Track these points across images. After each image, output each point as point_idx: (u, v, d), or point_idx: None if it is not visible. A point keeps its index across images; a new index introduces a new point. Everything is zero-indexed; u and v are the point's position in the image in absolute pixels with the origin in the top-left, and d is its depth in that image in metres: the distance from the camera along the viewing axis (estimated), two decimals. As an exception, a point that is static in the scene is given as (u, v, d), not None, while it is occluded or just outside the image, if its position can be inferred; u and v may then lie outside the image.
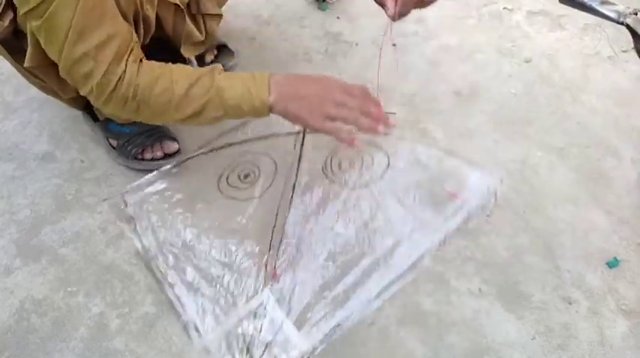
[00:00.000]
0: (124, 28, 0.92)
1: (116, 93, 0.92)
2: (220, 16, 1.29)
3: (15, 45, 1.01)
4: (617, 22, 0.94)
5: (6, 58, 1.06)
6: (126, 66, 0.91)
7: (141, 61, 0.95)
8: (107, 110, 0.98)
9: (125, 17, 0.95)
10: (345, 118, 0.93)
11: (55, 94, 1.14)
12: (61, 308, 1.04)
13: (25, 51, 0.97)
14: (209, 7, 1.23)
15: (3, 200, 1.19)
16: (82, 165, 1.26)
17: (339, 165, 1.21)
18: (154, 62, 0.96)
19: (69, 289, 1.06)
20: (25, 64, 0.99)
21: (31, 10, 0.82)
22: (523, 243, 1.15)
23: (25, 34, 0.94)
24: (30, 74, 1.07)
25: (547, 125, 1.39)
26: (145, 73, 0.93)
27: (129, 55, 0.92)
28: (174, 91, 0.93)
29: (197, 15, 1.22)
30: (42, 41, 0.89)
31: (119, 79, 0.91)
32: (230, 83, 0.94)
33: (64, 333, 1.01)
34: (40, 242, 1.13)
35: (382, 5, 0.86)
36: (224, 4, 1.35)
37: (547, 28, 1.68)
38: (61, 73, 0.93)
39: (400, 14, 0.84)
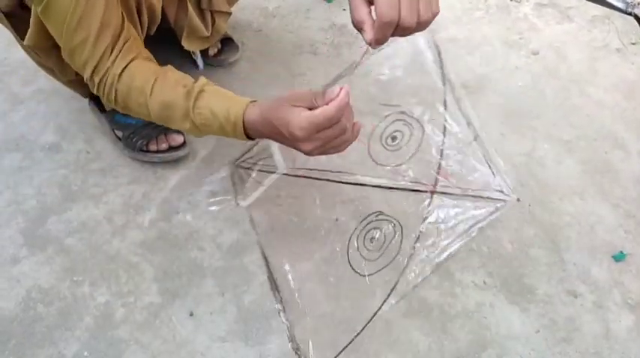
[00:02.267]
0: (118, 21, 0.91)
1: (102, 89, 0.92)
2: (229, 14, 1.29)
3: (20, 18, 1.00)
4: (625, 13, 0.92)
5: (10, 31, 1.05)
6: (112, 64, 0.90)
7: (132, 60, 0.92)
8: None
9: (127, 6, 0.95)
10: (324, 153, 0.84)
11: (54, 74, 1.14)
12: (67, 298, 1.05)
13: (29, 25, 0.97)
14: (220, 5, 1.23)
15: (9, 190, 1.20)
16: (88, 156, 1.27)
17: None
18: (143, 67, 0.93)
19: (75, 278, 1.07)
20: (25, 42, 0.98)
21: None
22: (528, 235, 1.15)
23: (30, 9, 0.94)
24: (30, 51, 1.07)
25: (554, 118, 1.38)
26: (126, 78, 0.91)
27: (119, 51, 0.90)
28: (151, 108, 0.92)
29: (206, 11, 1.21)
30: (46, 25, 0.90)
31: (104, 75, 0.90)
32: (205, 119, 0.89)
33: (69, 322, 1.01)
34: (47, 232, 1.14)
35: (360, 30, 0.75)
36: (235, 2, 1.35)
37: (555, 20, 1.67)
38: (64, 56, 0.93)
39: (378, 41, 0.72)
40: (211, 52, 1.46)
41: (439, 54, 1.09)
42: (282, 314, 1.00)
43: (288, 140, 0.81)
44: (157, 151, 1.23)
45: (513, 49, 1.57)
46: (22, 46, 1.07)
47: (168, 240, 1.12)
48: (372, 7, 0.71)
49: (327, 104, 0.76)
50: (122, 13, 0.92)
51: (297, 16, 1.65)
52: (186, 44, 1.22)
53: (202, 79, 0.93)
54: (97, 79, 0.91)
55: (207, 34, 1.24)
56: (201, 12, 1.20)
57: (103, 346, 0.98)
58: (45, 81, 1.18)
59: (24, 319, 1.02)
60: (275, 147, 1.18)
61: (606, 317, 1.04)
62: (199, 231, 1.14)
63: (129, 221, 1.15)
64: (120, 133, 1.25)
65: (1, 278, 1.07)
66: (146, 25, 1.04)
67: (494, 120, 1.37)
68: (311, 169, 1.16)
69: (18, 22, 1.01)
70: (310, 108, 0.77)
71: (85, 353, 0.98)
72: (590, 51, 1.57)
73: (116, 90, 0.91)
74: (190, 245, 1.11)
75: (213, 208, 1.16)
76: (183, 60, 1.44)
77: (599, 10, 1.66)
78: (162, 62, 1.41)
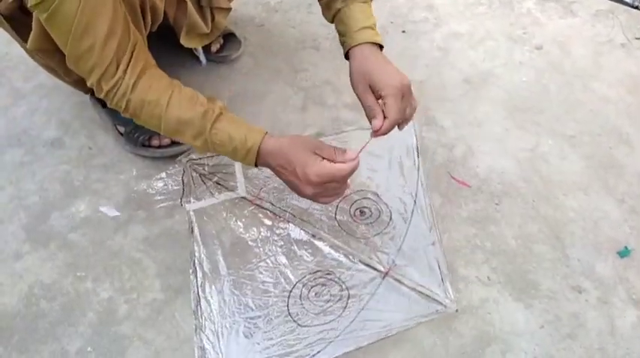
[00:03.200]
0: (124, 27, 0.90)
1: (111, 97, 0.92)
2: (229, 10, 1.28)
3: (21, 22, 1.00)
4: (631, 7, 0.92)
5: (11, 34, 1.05)
6: (124, 74, 0.90)
7: (143, 70, 0.92)
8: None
9: (132, 7, 0.94)
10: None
11: (58, 75, 1.14)
12: (69, 293, 1.04)
13: (31, 28, 0.96)
14: (220, 1, 1.22)
15: (12, 185, 1.20)
16: (90, 152, 1.26)
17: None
18: (156, 78, 0.93)
19: (78, 274, 1.07)
20: (29, 46, 0.98)
21: (37, 4, 0.82)
22: (532, 231, 1.15)
23: (31, 12, 0.93)
24: (33, 53, 1.06)
25: (558, 113, 1.38)
26: (140, 90, 0.91)
27: (129, 59, 0.90)
28: (165, 121, 0.92)
29: (205, 7, 1.20)
30: (50, 33, 0.88)
31: (115, 84, 0.90)
32: (220, 141, 0.92)
33: (72, 318, 1.01)
34: (49, 227, 1.13)
35: (370, 118, 0.91)
36: None
37: (558, 14, 1.66)
38: (68, 63, 0.92)
39: (383, 133, 0.90)
40: (214, 48, 1.45)
41: (418, 156, 1.23)
42: (200, 332, 0.99)
43: (296, 178, 0.88)
44: (159, 146, 1.22)
45: (517, 44, 1.56)
46: (25, 49, 1.06)
47: (170, 236, 1.12)
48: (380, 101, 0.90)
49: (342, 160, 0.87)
50: (127, 18, 0.91)
51: (299, 10, 1.64)
52: (185, 42, 1.21)
53: (218, 102, 0.96)
54: (105, 87, 0.90)
55: (206, 30, 1.23)
56: (200, 9, 1.19)
57: (106, 342, 0.98)
58: (46, 76, 1.17)
59: (27, 315, 1.02)
60: (238, 167, 1.20)
61: (611, 313, 1.04)
62: (202, 227, 1.13)
63: (132, 217, 1.15)
64: (122, 129, 1.25)
65: (3, 273, 1.07)
66: (149, 26, 1.03)
67: (498, 115, 1.37)
68: (273, 204, 1.16)
69: (19, 24, 1.01)
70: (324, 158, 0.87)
71: (89, 349, 0.97)
72: (595, 46, 1.56)
73: (128, 101, 0.91)
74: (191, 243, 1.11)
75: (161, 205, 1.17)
76: (186, 56, 1.44)
77: (603, 4, 1.65)
78: (165, 59, 1.40)
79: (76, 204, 1.17)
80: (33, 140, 1.29)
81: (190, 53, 1.43)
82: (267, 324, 0.99)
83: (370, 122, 0.90)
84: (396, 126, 0.92)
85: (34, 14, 0.91)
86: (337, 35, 1.02)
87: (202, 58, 1.45)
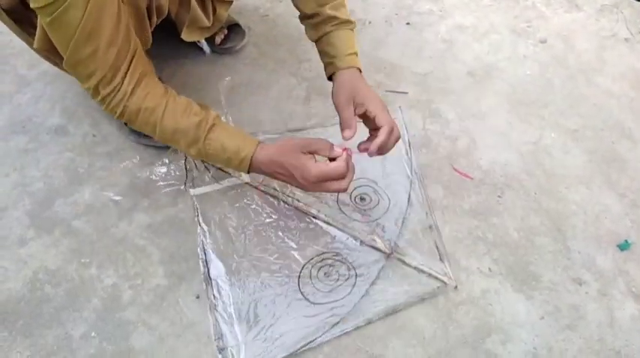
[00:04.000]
0: (125, 34, 0.90)
1: (107, 102, 0.92)
2: (231, 2, 1.28)
3: (23, 15, 1.00)
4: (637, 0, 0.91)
5: (12, 29, 1.05)
6: (122, 80, 0.90)
7: (141, 77, 0.93)
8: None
9: (138, 10, 0.94)
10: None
11: (62, 69, 1.14)
12: (74, 279, 1.05)
13: (32, 22, 0.96)
14: None
15: (16, 172, 1.20)
16: (94, 140, 1.27)
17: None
18: (152, 86, 0.94)
19: (82, 260, 1.07)
20: (35, 46, 0.97)
21: (41, 7, 0.81)
22: (534, 224, 1.15)
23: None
24: (39, 51, 1.06)
25: (561, 107, 1.38)
26: (137, 98, 0.92)
27: (128, 66, 0.90)
28: (160, 129, 0.94)
29: (207, 1, 1.20)
30: (50, 34, 0.88)
31: (113, 90, 0.90)
32: (214, 150, 0.95)
33: (77, 304, 1.02)
34: (54, 214, 1.14)
35: (344, 128, 0.97)
36: None
37: (563, 8, 1.66)
38: (64, 66, 0.91)
39: (375, 153, 0.95)
40: (218, 39, 1.45)
41: (409, 146, 1.27)
42: (214, 312, 1.00)
43: (295, 181, 0.93)
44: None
45: (521, 37, 1.57)
46: (27, 42, 1.06)
47: (174, 224, 1.12)
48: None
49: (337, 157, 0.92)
50: (129, 25, 0.91)
51: (304, 1, 1.63)
52: (186, 36, 1.20)
53: (212, 112, 0.98)
54: (103, 92, 0.91)
55: (208, 24, 1.22)
56: (202, 2, 1.19)
57: (110, 327, 0.99)
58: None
59: (31, 300, 1.03)
60: None
61: (611, 305, 1.05)
62: (207, 212, 1.14)
63: (135, 204, 1.15)
64: (126, 118, 1.25)
65: (8, 259, 1.07)
66: (154, 25, 1.03)
67: (502, 108, 1.37)
68: (277, 190, 1.18)
69: (20, 17, 1.00)
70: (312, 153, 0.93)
71: (93, 334, 0.98)
72: (599, 40, 1.56)
73: (125, 107, 0.92)
74: (197, 229, 1.11)
75: (164, 191, 1.18)
76: (189, 46, 1.43)
77: (607, -1, 1.65)
78: (169, 50, 1.41)
79: (80, 191, 1.17)
80: (37, 127, 1.29)
81: (193, 43, 1.43)
82: (281, 303, 1.02)
83: (343, 132, 0.97)
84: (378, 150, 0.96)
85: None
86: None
87: (206, 47, 1.45)
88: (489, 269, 1.08)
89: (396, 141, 0.98)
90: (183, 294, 1.03)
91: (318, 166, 0.90)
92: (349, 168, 0.92)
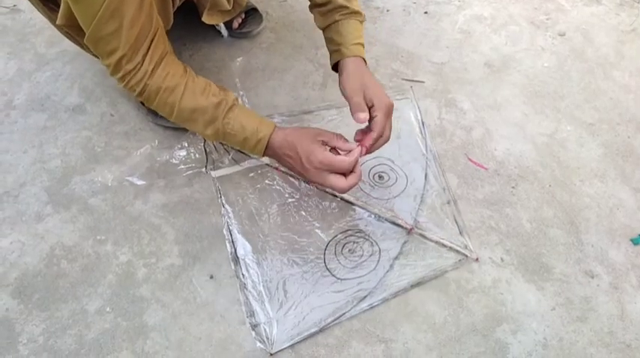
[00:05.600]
0: (148, 15, 0.90)
1: (127, 80, 0.93)
2: None
3: None
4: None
5: (36, 5, 1.06)
6: (143, 60, 0.91)
7: (162, 57, 0.94)
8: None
9: None
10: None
11: (85, 48, 1.15)
12: (90, 256, 1.06)
13: (57, 1, 0.97)
14: None
15: (34, 149, 1.21)
16: (112, 119, 1.28)
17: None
18: (172, 66, 0.95)
19: (98, 237, 1.09)
20: (58, 22, 0.98)
21: None
22: (547, 215, 1.15)
23: None
24: (61, 28, 1.07)
25: (578, 100, 1.37)
26: (157, 77, 0.93)
27: (149, 45, 0.91)
28: (178, 109, 0.96)
29: None
30: (74, 9, 0.88)
31: (133, 69, 0.91)
32: (232, 130, 0.97)
33: (92, 279, 1.03)
34: (71, 191, 1.15)
35: (355, 112, 0.97)
36: None
37: (583, 2, 1.64)
38: (86, 41, 0.92)
39: (368, 150, 0.97)
40: (235, 23, 1.45)
41: (423, 125, 1.29)
42: (245, 290, 1.02)
43: (302, 166, 0.94)
44: (181, 117, 1.23)
45: (540, 29, 1.55)
46: (51, 21, 1.07)
47: (190, 204, 1.14)
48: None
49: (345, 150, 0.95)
50: (153, 4, 0.91)
51: (322, -13, 1.63)
52: (206, 19, 1.21)
53: (231, 94, 1.00)
54: (123, 70, 0.91)
55: (228, 7, 1.23)
56: None
57: (124, 303, 1.01)
58: (70, 42, 1.18)
59: (47, 274, 1.04)
60: None
61: (622, 298, 1.05)
62: (229, 193, 1.15)
63: (152, 184, 1.16)
64: (144, 98, 1.26)
65: (25, 234, 1.09)
66: (177, 5, 1.04)
67: (518, 99, 1.37)
68: None
69: None
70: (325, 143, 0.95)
71: (108, 309, 1.00)
72: (617, 34, 1.55)
73: (145, 85, 0.93)
74: (212, 210, 1.13)
75: (185, 174, 1.19)
76: (208, 29, 1.44)
77: (628, -7, 1.63)
78: (187, 32, 1.42)
79: (98, 169, 1.19)
80: (56, 105, 1.30)
81: (211, 27, 1.43)
82: (309, 279, 1.04)
83: (353, 115, 0.98)
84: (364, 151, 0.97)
85: None
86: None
87: (224, 31, 1.45)
88: (501, 259, 1.09)
89: (382, 144, 1.00)
90: (196, 274, 1.04)
91: (325, 153, 0.93)
92: (355, 168, 0.94)
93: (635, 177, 1.22)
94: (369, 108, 0.98)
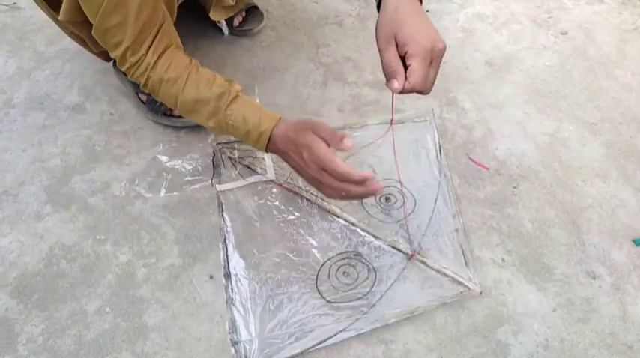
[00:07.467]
0: (154, 8, 0.91)
1: (132, 72, 0.95)
2: None
3: None
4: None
5: (39, 4, 1.06)
6: (147, 52, 0.92)
7: (166, 49, 0.94)
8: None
9: None
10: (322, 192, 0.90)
11: (86, 46, 1.15)
12: (89, 255, 1.06)
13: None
14: None
15: (34, 148, 1.21)
16: (112, 118, 1.27)
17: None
18: (175, 58, 0.95)
19: (98, 237, 1.08)
20: (60, 18, 0.99)
21: None
22: (549, 216, 1.15)
23: None
24: (63, 25, 1.07)
25: (580, 99, 1.37)
26: (159, 69, 0.94)
27: (154, 38, 0.92)
28: (181, 100, 0.95)
29: None
30: (81, 3, 0.89)
31: (137, 61, 0.93)
32: (234, 122, 0.94)
33: (92, 279, 1.03)
34: (70, 190, 1.15)
35: (389, 77, 0.80)
36: None
37: (585, 0, 1.63)
38: (94, 34, 0.93)
39: (402, 92, 0.79)
40: (236, 21, 1.45)
41: (440, 149, 1.23)
42: (231, 306, 1.00)
43: (301, 161, 0.87)
44: (180, 116, 1.23)
45: (542, 28, 1.55)
46: (53, 18, 1.07)
47: (190, 204, 1.13)
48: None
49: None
50: None
51: (323, -15, 1.63)
52: (213, 15, 1.22)
53: (236, 85, 0.98)
54: (128, 62, 0.93)
55: (232, 3, 1.23)
56: None
57: (124, 303, 1.00)
58: (70, 41, 1.18)
59: (47, 274, 1.04)
60: (267, 155, 1.20)
61: (623, 299, 1.04)
62: (231, 207, 1.14)
63: (152, 183, 1.16)
64: (144, 97, 1.26)
65: (24, 233, 1.09)
66: (182, 0, 1.04)
67: (519, 99, 1.36)
68: (301, 188, 1.16)
69: None
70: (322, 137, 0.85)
71: (107, 309, 0.99)
72: (620, 33, 1.54)
73: (148, 77, 0.95)
74: (212, 210, 1.12)
75: (192, 187, 1.16)
76: (208, 27, 1.43)
77: (631, -9, 1.62)
78: (187, 29, 1.41)
79: (97, 168, 1.18)
80: (55, 104, 1.30)
81: (213, 23, 1.43)
82: (298, 300, 1.01)
83: (388, 83, 0.80)
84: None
85: None
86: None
87: (225, 29, 1.44)
88: (502, 259, 1.08)
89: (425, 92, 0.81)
90: (196, 274, 1.04)
91: (328, 150, 0.84)
92: (357, 180, 0.82)
93: (637, 177, 1.22)
94: (403, 58, 0.78)
